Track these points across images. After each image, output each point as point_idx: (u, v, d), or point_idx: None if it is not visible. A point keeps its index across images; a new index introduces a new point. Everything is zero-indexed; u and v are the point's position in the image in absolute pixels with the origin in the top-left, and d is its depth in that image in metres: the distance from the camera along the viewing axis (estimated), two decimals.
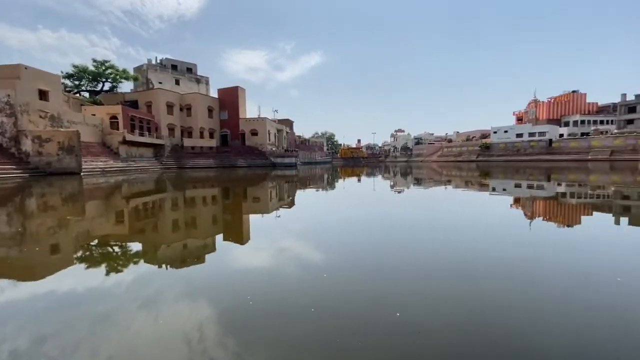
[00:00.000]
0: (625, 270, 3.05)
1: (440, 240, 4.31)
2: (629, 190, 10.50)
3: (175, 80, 56.66)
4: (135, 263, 3.61)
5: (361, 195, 11.16)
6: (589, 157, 48.06)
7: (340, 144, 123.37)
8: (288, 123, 70.27)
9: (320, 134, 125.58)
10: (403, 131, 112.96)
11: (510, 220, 5.93)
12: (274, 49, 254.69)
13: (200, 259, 3.66)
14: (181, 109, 49.87)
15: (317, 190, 12.52)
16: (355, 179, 20.29)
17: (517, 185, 13.01)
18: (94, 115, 35.86)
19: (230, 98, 54.02)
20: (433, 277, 2.91)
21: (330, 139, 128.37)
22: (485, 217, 6.36)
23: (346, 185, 15.77)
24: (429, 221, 5.92)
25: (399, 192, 11.75)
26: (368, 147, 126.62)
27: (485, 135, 73.71)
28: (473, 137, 79.79)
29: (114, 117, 37.23)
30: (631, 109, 53.32)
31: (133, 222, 6.27)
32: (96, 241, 4.71)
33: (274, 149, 54.78)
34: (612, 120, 58.24)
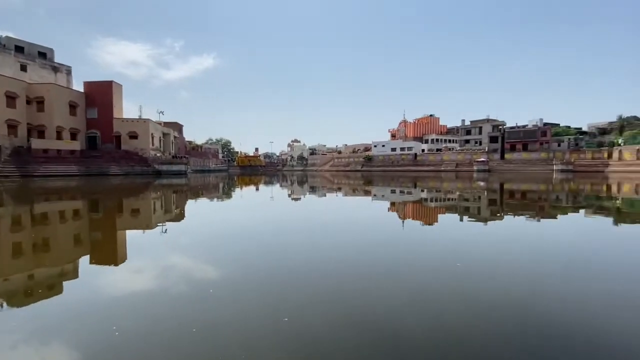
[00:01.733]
0: (463, 257, 3.94)
1: (330, 244, 4.65)
2: (467, 195, 13.64)
3: (21, 65, 44.26)
4: None
5: (259, 204, 11.05)
6: (442, 169, 60.25)
7: (237, 152, 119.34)
8: (177, 127, 63.92)
9: (215, 141, 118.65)
10: (299, 141, 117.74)
11: (387, 222, 6.89)
12: (159, 45, 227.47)
13: (53, 290, 2.95)
14: (29, 102, 39.44)
15: (211, 200, 11.77)
16: (253, 187, 19.95)
17: (393, 192, 15.25)
18: None
19: (101, 93, 45.66)
20: (321, 281, 3.12)
21: (226, 146, 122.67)
22: (368, 220, 7.20)
23: (244, 194, 15.35)
24: (321, 227, 6.32)
25: (296, 200, 12.15)
26: (266, 155, 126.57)
27: (368, 148, 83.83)
28: (358, 149, 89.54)
29: None
30: (468, 131, 69.54)
31: None
32: None
33: (158, 154, 48.78)
34: (456, 140, 74.58)
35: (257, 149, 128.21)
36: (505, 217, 7.55)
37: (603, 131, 56.43)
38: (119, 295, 2.81)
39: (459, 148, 67.16)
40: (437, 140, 75.07)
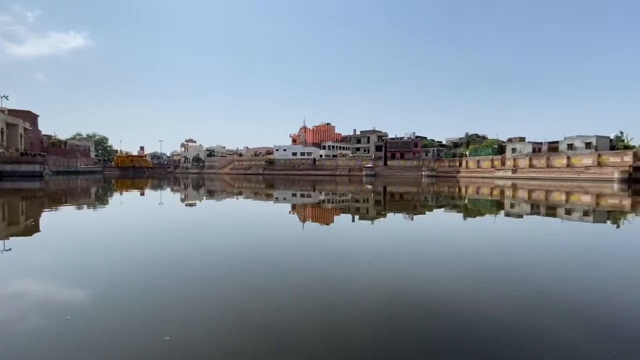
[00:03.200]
0: (349, 253, 4.39)
1: (222, 251, 4.49)
2: (358, 197, 15.17)
3: None
4: None
5: (143, 211, 9.74)
6: (337, 173, 65.33)
7: (117, 150, 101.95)
8: (29, 116, 50.47)
9: (85, 136, 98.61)
10: (194, 142, 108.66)
11: (284, 223, 7.06)
12: (3, 11, 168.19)
13: None
14: None
15: (78, 209, 9.74)
16: (137, 192, 17.42)
17: (294, 195, 15.71)
18: None
19: None
20: (205, 289, 2.97)
21: (101, 143, 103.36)
22: (270, 224, 7.22)
23: (124, 200, 13.25)
24: (216, 234, 6.02)
25: (191, 206, 11.22)
26: (154, 156, 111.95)
27: (270, 152, 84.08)
28: (260, 152, 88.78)
29: None
30: (358, 140, 77.50)
31: None
32: None
33: (0, 151, 37.56)
34: (349, 147, 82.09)
35: (142, 148, 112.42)
36: (388, 214, 8.73)
37: (456, 144, 71.21)
38: None
39: (351, 155, 74.04)
40: (333, 147, 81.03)
